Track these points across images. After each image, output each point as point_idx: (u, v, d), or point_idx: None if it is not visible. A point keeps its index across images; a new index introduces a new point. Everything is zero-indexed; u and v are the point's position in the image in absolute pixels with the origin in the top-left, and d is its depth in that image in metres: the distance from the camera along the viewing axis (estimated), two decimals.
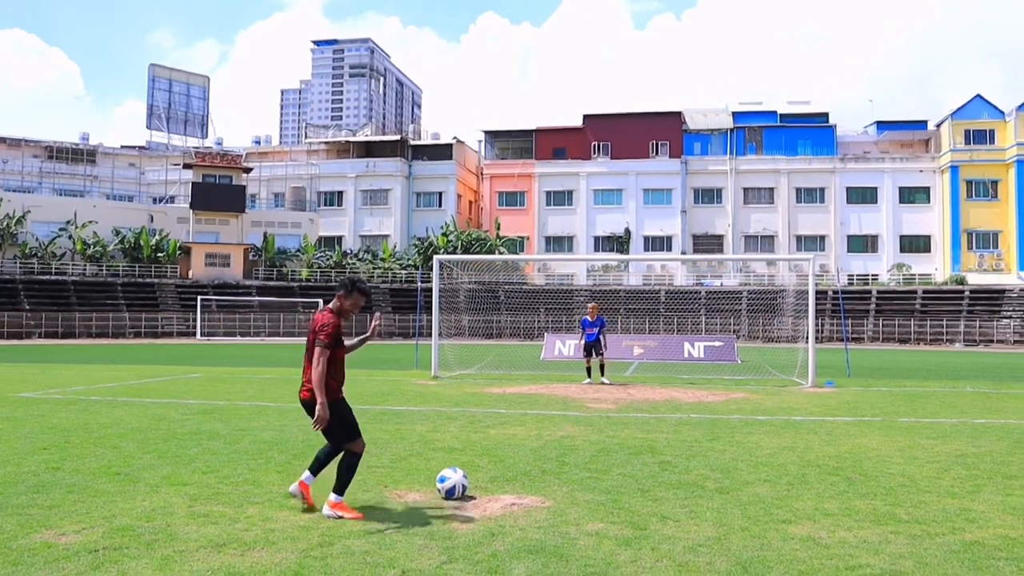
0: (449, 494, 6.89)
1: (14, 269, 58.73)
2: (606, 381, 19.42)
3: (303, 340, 49.90)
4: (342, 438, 6.47)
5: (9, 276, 57.40)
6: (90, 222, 63.76)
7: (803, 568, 5.09)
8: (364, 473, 7.96)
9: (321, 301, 58.11)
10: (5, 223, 60.73)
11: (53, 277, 58.96)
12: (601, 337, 20.13)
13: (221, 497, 6.97)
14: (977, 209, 67.60)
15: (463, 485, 6.96)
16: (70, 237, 62.88)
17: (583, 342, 20.51)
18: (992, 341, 54.93)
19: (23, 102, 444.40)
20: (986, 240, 67.46)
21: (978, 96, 68.94)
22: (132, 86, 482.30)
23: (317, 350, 6.22)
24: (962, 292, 59.81)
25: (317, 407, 6.14)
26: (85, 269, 61.70)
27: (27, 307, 54.38)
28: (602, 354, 20.12)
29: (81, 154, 76.80)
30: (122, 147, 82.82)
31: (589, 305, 21.23)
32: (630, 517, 6.36)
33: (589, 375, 19.98)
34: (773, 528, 6.06)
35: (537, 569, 5.03)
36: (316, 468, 6.55)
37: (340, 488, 6.34)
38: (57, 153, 75.80)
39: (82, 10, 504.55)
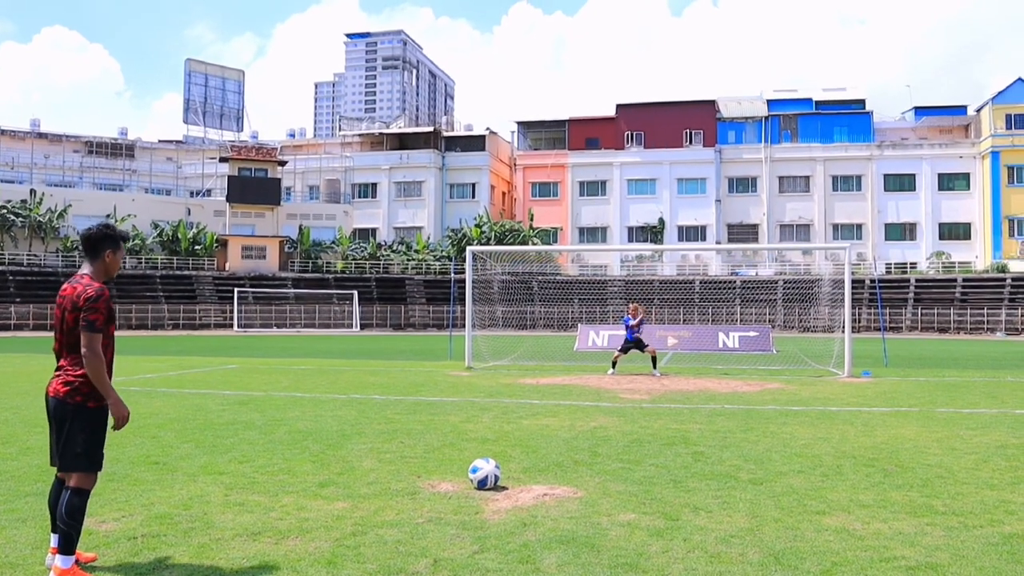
0: (481, 484, 6.92)
1: (56, 262, 59.73)
2: (657, 373, 19.13)
3: (338, 332, 49.75)
4: (85, 460, 4.72)
5: (51, 269, 58.39)
6: (129, 215, 64.62)
7: (836, 559, 5.06)
8: (398, 463, 8.03)
9: (356, 293, 58.54)
10: (47, 217, 61.76)
11: None
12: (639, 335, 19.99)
13: (256, 486, 7.06)
14: (1019, 195, 66.28)
15: (495, 475, 6.99)
16: None
17: (625, 337, 20.24)
18: None
19: (64, 98, 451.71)
20: None
21: (1019, 80, 67.54)
22: (170, 81, 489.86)
23: (86, 336, 4.66)
24: (1003, 280, 58.73)
25: (110, 405, 4.77)
26: (124, 262, 62.49)
27: None
28: (647, 345, 19.95)
29: (120, 149, 77.88)
30: (160, 141, 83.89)
31: (632, 305, 20.77)
32: (662, 508, 6.35)
33: (614, 367, 19.83)
34: (807, 519, 6.02)
35: (568, 559, 5.04)
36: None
37: (71, 546, 4.61)
38: (97, 148, 76.92)
39: (122, 7, 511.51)
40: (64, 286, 4.92)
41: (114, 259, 5.02)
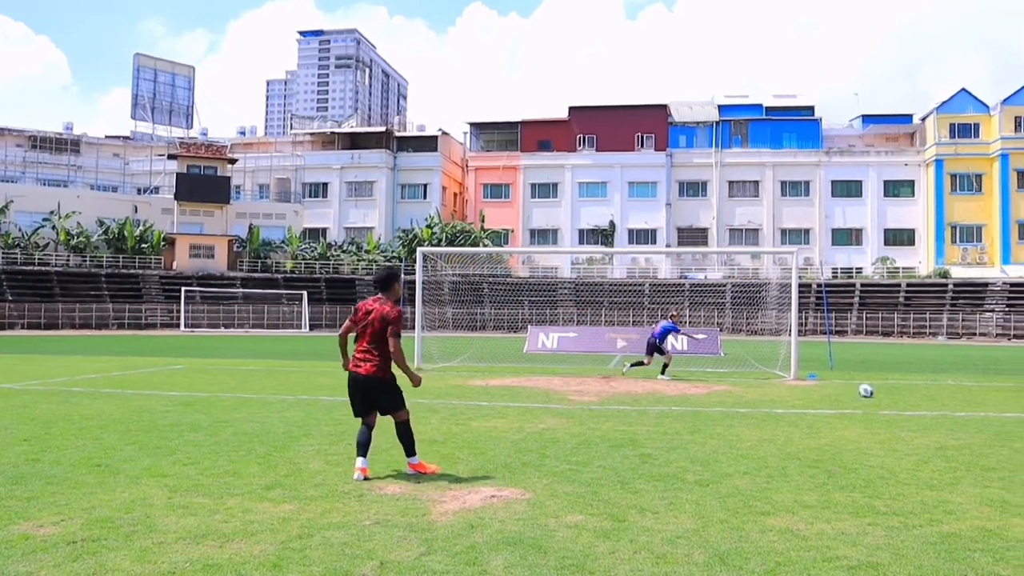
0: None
1: None
2: (664, 378, 18.77)
3: (287, 332, 49.16)
4: (399, 404, 7.64)
5: None
6: (74, 212, 63.22)
7: (780, 560, 5.12)
8: (345, 465, 7.97)
9: (305, 293, 58.02)
10: None
11: (36, 268, 58.48)
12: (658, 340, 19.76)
13: (201, 489, 6.96)
14: (961, 203, 67.94)
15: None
16: (53, 227, 62.34)
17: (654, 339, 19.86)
18: (975, 334, 55.30)
19: (7, 91, 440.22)
20: (970, 234, 67.84)
21: (963, 90, 69.27)
22: (119, 76, 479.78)
23: (395, 341, 7.37)
24: (946, 285, 60.12)
25: (411, 377, 7.63)
26: (68, 260, 61.23)
27: (10, 298, 53.96)
28: (666, 352, 19.73)
29: (65, 144, 76.14)
30: (106, 137, 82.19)
31: (674, 311, 20.98)
32: (609, 509, 6.38)
33: (629, 367, 19.77)
34: (752, 520, 6.09)
35: (515, 561, 5.04)
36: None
37: (413, 448, 7.72)
38: (41, 143, 75.10)
39: None
40: (368, 303, 7.62)
41: (399, 287, 7.72)
